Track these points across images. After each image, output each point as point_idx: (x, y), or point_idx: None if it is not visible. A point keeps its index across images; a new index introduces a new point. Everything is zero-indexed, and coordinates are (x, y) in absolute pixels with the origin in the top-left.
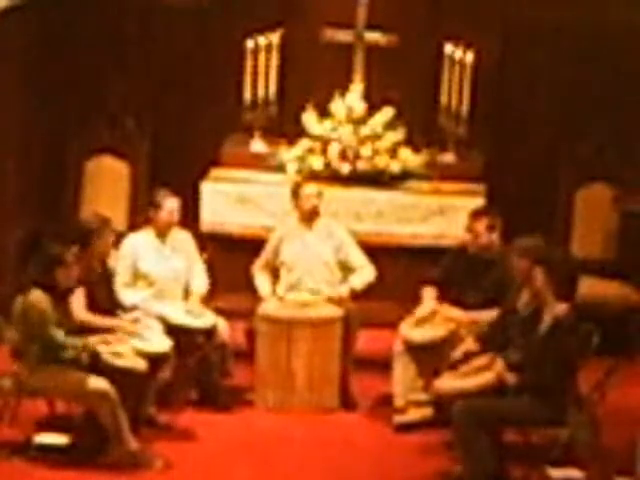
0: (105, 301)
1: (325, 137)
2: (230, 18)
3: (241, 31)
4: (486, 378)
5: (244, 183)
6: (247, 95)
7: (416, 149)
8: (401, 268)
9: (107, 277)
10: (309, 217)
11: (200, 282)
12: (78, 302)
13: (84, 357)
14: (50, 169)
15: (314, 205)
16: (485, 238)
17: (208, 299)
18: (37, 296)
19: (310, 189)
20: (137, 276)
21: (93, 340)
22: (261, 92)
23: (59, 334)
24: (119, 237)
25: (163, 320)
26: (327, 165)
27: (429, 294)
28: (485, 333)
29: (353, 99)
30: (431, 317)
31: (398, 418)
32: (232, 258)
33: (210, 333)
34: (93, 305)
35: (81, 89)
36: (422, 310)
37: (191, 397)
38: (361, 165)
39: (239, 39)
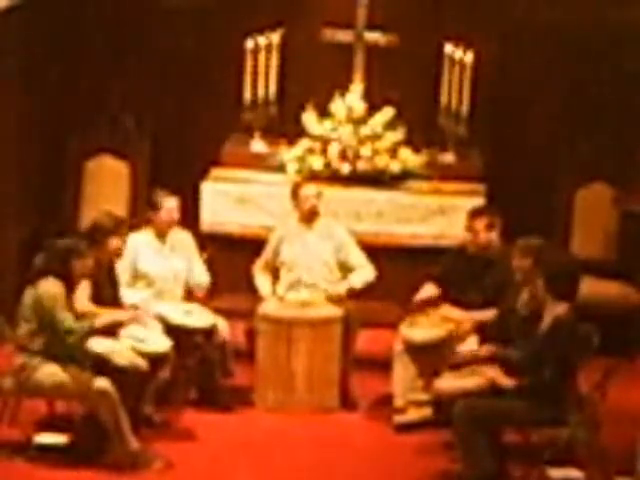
0: (110, 300)
1: (325, 137)
2: (230, 18)
3: (241, 31)
4: (486, 378)
5: (244, 183)
6: (247, 95)
7: (416, 149)
8: (401, 268)
9: (113, 277)
10: (308, 217)
11: (202, 278)
12: (81, 293)
13: (86, 357)
14: (50, 169)
15: (313, 205)
16: (484, 237)
17: (208, 299)
18: (50, 282)
19: (309, 189)
20: (137, 276)
21: (100, 321)
22: (261, 92)
23: (68, 317)
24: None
25: (163, 320)
26: (327, 165)
27: (429, 287)
28: (486, 331)
29: (353, 99)
30: (432, 305)
31: (398, 418)
32: (232, 258)
33: (210, 333)
34: (98, 302)
35: (81, 89)
36: (421, 295)
37: (191, 397)
38: (361, 165)
39: (239, 39)
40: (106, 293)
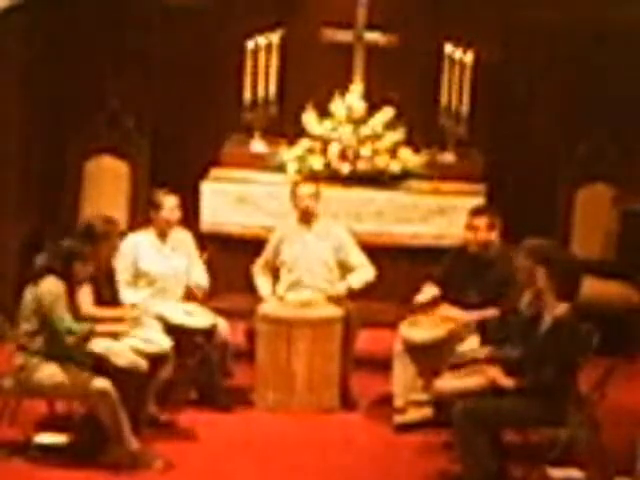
0: (110, 301)
1: (325, 137)
2: (230, 18)
3: (241, 31)
4: (486, 378)
5: (244, 183)
6: (247, 95)
7: (416, 149)
8: (401, 268)
9: (111, 277)
10: (304, 217)
11: (201, 279)
12: (85, 297)
13: (86, 358)
14: (50, 169)
15: (308, 205)
16: (484, 235)
17: (208, 299)
18: (52, 282)
19: (305, 189)
20: (137, 275)
21: (100, 328)
22: (261, 92)
23: (67, 317)
24: (121, 236)
25: (163, 320)
26: (327, 165)
27: (429, 288)
28: (486, 330)
29: (353, 99)
30: (432, 305)
31: (398, 418)
32: (232, 258)
33: (210, 333)
34: (98, 304)
35: (81, 89)
36: (423, 296)
37: (191, 397)
38: (361, 165)
39: (239, 39)
40: (106, 295)
